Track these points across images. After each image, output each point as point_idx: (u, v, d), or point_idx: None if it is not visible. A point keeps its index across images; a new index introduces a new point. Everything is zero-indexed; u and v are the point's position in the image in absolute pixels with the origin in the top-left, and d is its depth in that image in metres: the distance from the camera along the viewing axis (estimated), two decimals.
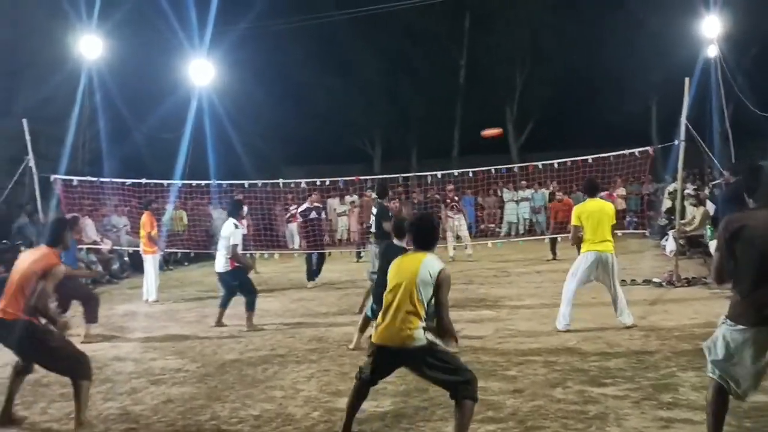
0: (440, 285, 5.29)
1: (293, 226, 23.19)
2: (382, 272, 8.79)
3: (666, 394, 6.44)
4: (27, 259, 6.48)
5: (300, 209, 17.27)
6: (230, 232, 10.90)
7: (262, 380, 7.65)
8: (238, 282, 10.98)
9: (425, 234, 5.68)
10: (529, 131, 35.29)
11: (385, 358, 5.44)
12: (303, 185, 19.92)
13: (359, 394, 5.64)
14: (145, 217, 14.20)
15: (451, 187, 19.86)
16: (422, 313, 5.28)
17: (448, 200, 19.49)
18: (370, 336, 5.69)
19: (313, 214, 16.49)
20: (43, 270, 6.26)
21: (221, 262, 10.94)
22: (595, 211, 9.38)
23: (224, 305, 11.13)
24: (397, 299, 5.31)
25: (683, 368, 7.20)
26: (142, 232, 14.24)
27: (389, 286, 5.47)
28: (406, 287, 5.31)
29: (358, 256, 20.48)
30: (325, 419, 6.25)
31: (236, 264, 10.93)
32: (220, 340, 9.92)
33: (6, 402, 6.48)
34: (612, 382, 6.95)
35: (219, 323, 11.01)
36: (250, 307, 10.83)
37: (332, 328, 10.34)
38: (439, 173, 20.28)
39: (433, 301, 5.32)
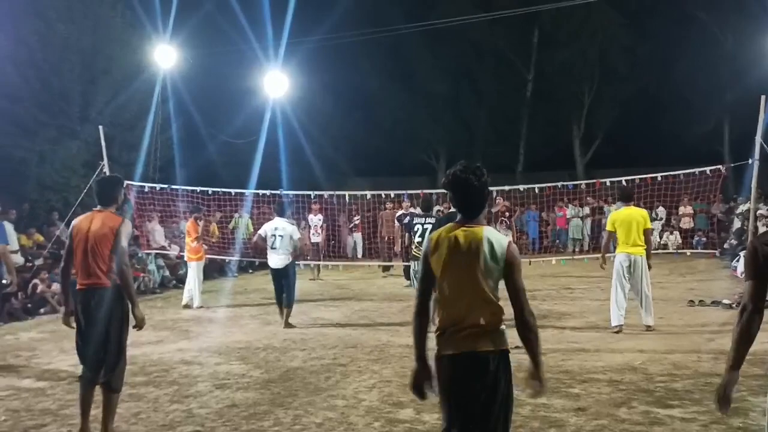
0: (512, 263, 3.93)
1: (357, 236, 23.50)
2: None
3: (736, 419, 6.26)
4: (86, 227, 6.12)
5: (396, 215, 17.98)
6: (292, 229, 11.75)
7: (325, 388, 7.71)
8: (290, 275, 11.67)
9: (475, 193, 4.04)
10: (596, 148, 34.89)
11: (458, 378, 3.96)
12: (369, 197, 20.25)
13: None
14: (189, 224, 14.35)
15: (500, 201, 20.02)
16: (497, 304, 3.97)
17: (501, 216, 19.58)
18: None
19: (408, 219, 16.37)
20: (114, 231, 6.05)
21: (283, 259, 11.61)
22: (626, 218, 10.42)
23: (282, 304, 11.82)
24: (465, 289, 3.95)
25: (754, 393, 6.99)
26: (187, 239, 14.34)
27: (442, 273, 4.03)
28: (471, 271, 3.93)
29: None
30: (387, 429, 6.27)
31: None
32: (284, 348, 10.03)
33: (83, 417, 6.11)
34: (679, 404, 6.81)
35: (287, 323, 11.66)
36: (290, 304, 11.66)
37: (394, 339, 10.35)
38: (506, 187, 20.16)
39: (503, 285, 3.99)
